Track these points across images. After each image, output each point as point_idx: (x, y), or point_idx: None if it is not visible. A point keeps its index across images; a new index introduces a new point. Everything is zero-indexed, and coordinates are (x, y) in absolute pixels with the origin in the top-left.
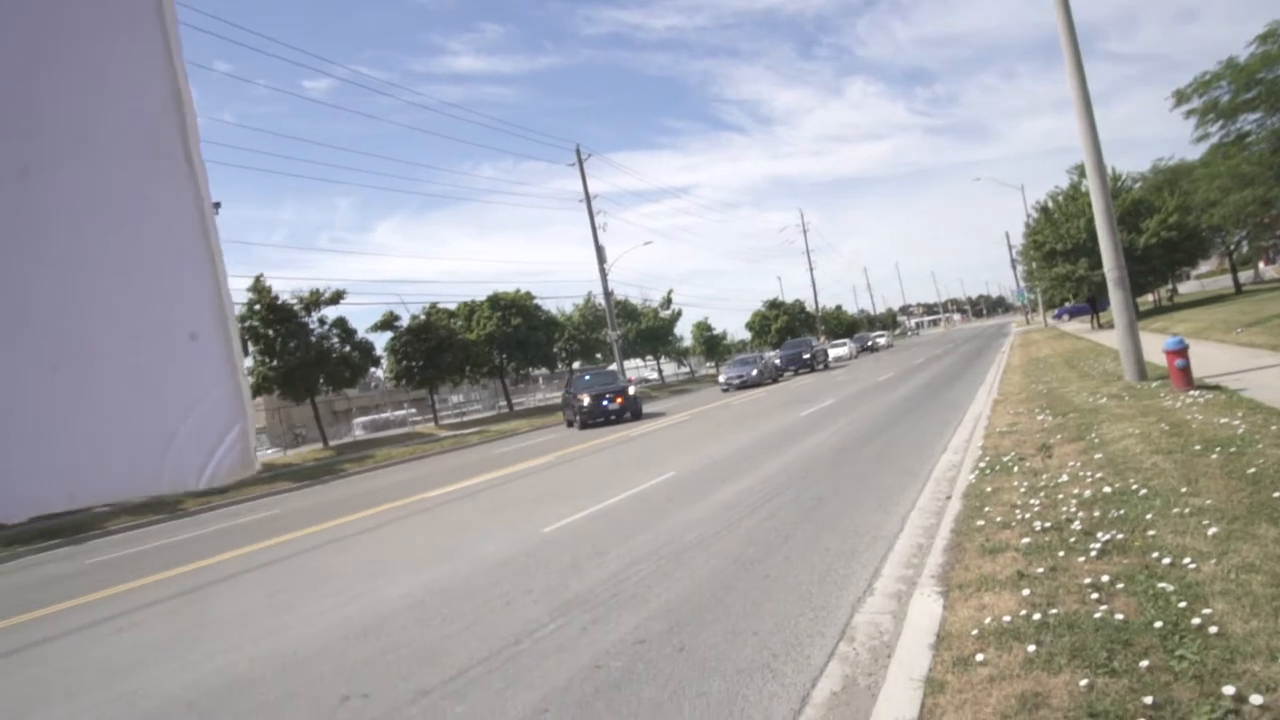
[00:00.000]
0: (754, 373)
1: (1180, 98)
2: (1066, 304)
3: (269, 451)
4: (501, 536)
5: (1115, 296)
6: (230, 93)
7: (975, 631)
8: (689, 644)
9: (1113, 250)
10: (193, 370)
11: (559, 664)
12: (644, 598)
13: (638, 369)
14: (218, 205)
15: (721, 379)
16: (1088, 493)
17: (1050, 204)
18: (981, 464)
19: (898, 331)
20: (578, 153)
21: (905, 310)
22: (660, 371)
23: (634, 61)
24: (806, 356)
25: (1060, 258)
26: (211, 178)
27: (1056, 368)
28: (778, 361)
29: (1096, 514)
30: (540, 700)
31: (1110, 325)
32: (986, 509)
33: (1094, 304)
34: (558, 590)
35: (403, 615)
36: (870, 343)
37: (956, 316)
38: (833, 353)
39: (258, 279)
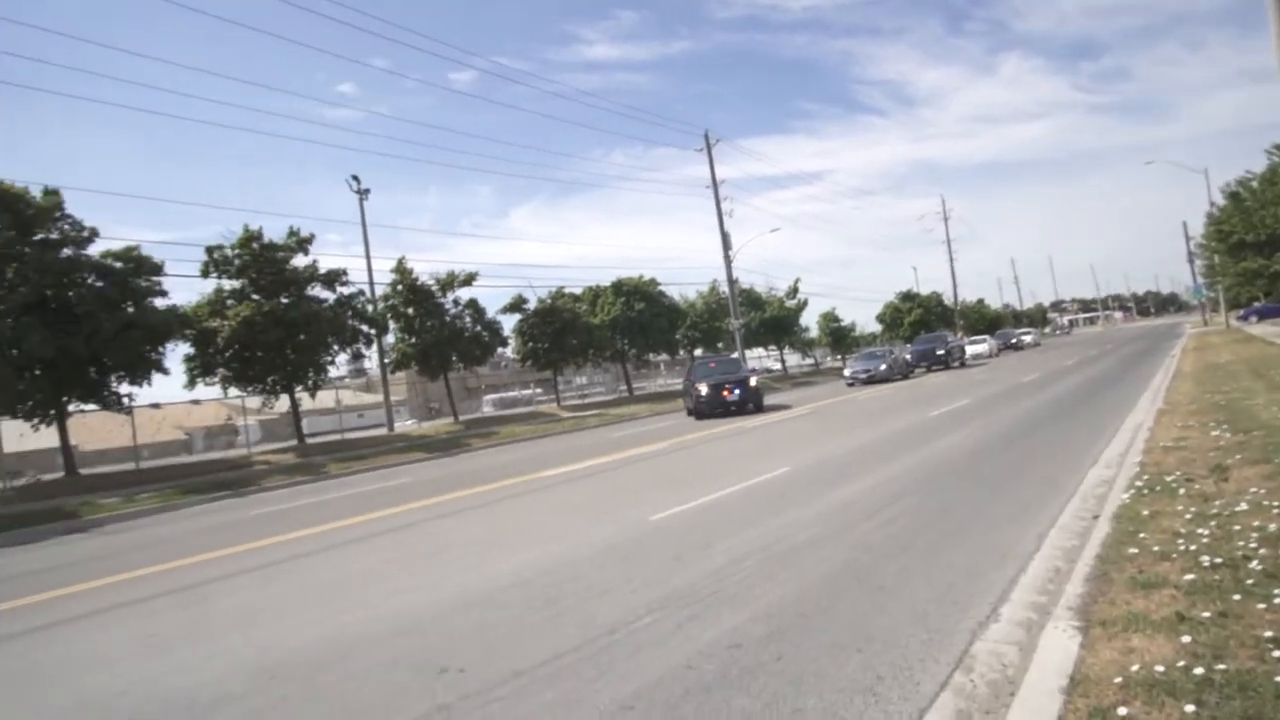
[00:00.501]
0: (882, 367)
1: None
2: (1255, 303)
3: (407, 423)
4: (611, 521)
5: None
6: (386, 87)
7: (1119, 679)
8: (788, 654)
9: None
10: None
11: (651, 659)
12: (745, 599)
13: (760, 359)
14: (366, 191)
15: (847, 373)
16: (1272, 526)
17: (1241, 190)
18: (1139, 482)
19: (1047, 329)
20: (706, 139)
21: (1057, 306)
22: (783, 362)
23: (768, 44)
24: (941, 353)
25: (1250, 250)
26: (365, 167)
27: (1239, 376)
28: (908, 357)
29: None
30: (629, 695)
31: None
32: (1142, 535)
33: None
34: (659, 582)
35: (509, 592)
36: (1014, 340)
37: (1118, 314)
38: (970, 350)
39: (400, 261)
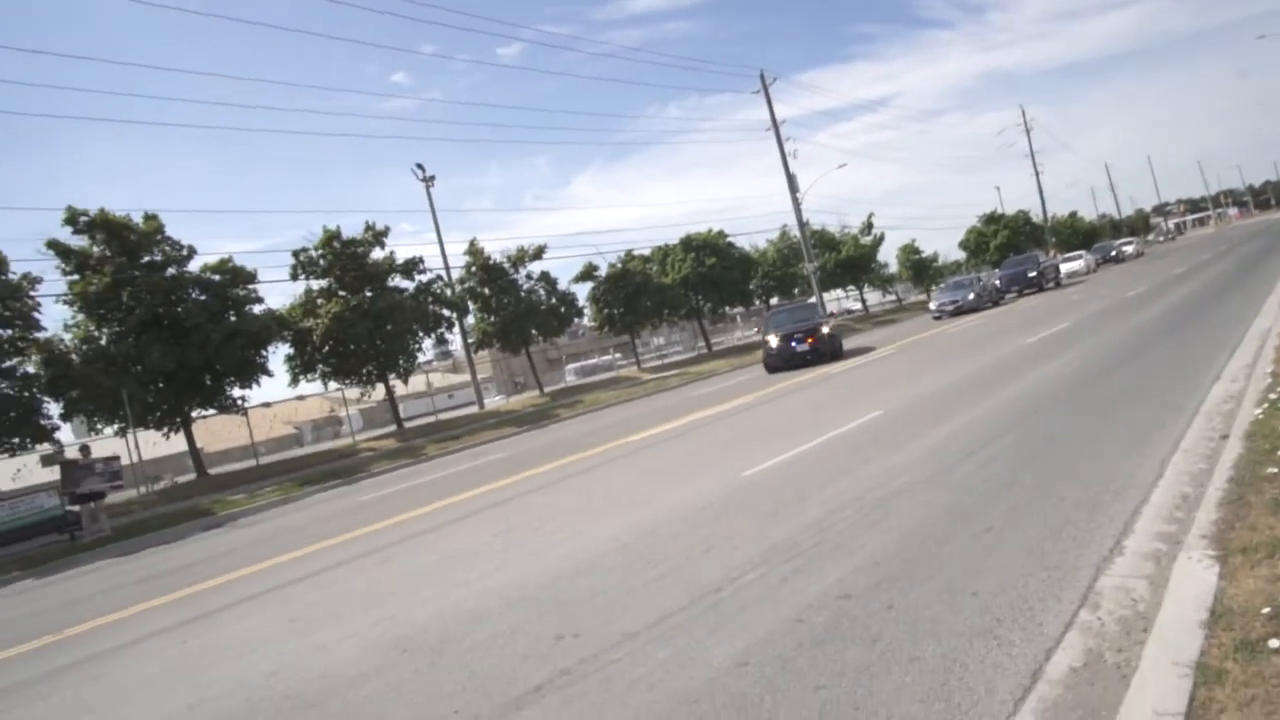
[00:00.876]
0: (970, 296)
1: None
2: None
3: (495, 399)
4: (702, 480)
5: None
6: (437, 70)
7: (1267, 610)
8: (898, 602)
9: None
10: None
11: (759, 615)
12: (848, 548)
13: (839, 300)
14: (432, 178)
15: (933, 305)
16: None
17: None
18: (1273, 395)
19: (1150, 236)
20: (762, 79)
21: (1161, 210)
22: (864, 302)
23: None
24: (1033, 274)
25: None
26: (426, 153)
27: None
28: (998, 282)
29: None
30: (741, 651)
31: None
32: (1279, 453)
33: None
34: (758, 537)
35: (611, 557)
36: (1113, 253)
37: (1233, 211)
38: (1065, 267)
39: (472, 243)
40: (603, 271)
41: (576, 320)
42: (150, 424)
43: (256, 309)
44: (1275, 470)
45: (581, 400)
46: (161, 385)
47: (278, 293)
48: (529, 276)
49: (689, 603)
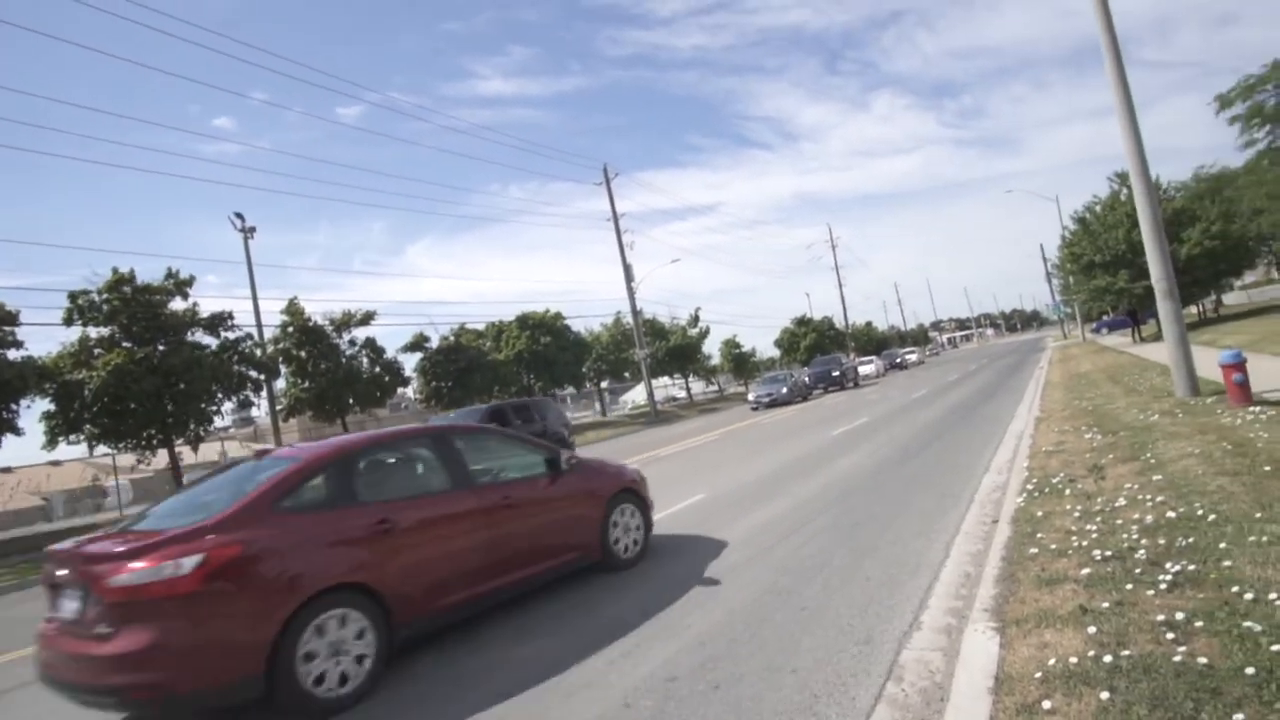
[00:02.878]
0: (784, 390)
1: (1223, 103)
2: (1105, 317)
3: None
4: None
5: (1164, 308)
6: (268, 120)
7: (1039, 674)
8: (723, 681)
9: (1161, 261)
10: None
11: (588, 701)
12: (677, 628)
13: (666, 387)
14: (252, 229)
15: (751, 396)
16: (1149, 518)
17: (1088, 215)
18: (1029, 486)
19: (929, 348)
20: (605, 172)
21: (937, 326)
22: (689, 389)
23: (659, 80)
24: (836, 374)
25: (1099, 269)
26: (248, 203)
27: (1100, 383)
28: (807, 379)
29: (1162, 542)
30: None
31: (1153, 338)
32: (1039, 535)
33: (1135, 316)
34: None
35: None
36: (899, 360)
37: (990, 331)
38: (861, 370)
39: (291, 301)
40: (434, 343)
41: (401, 391)
42: None
43: (11, 355)
44: (1036, 550)
45: None
46: None
47: (44, 338)
48: (353, 342)
49: None
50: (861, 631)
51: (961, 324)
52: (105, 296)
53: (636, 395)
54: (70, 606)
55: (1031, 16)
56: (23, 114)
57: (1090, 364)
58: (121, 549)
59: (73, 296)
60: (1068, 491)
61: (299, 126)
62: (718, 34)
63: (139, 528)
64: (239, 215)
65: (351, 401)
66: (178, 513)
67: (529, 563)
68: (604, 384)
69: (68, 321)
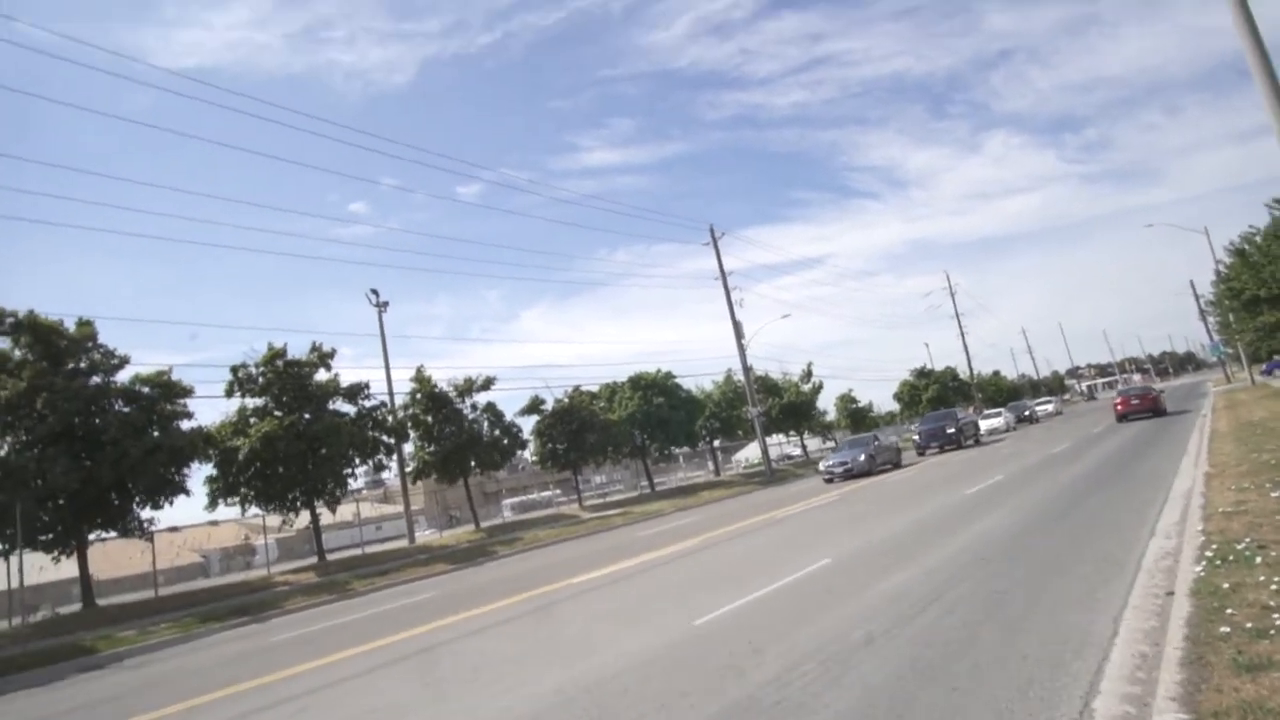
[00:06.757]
0: (861, 458)
1: None
2: (1277, 357)
3: (427, 532)
4: (651, 628)
5: None
6: (396, 203)
7: None
8: None
9: None
10: None
11: None
12: (811, 708)
13: (780, 445)
14: (386, 304)
15: (822, 466)
16: None
17: (1246, 246)
18: (1208, 553)
19: (1068, 396)
20: (711, 232)
21: (1074, 373)
22: (804, 447)
23: (759, 139)
24: (952, 431)
25: (1266, 305)
26: (380, 280)
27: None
28: (916, 438)
29: None
30: None
31: None
32: (1229, 611)
33: None
34: (716, 693)
35: (555, 713)
36: (1028, 412)
37: (1136, 377)
38: (985, 424)
39: (419, 370)
40: (549, 405)
41: (518, 453)
42: (40, 546)
43: (185, 424)
44: (1228, 630)
45: (520, 537)
46: (60, 503)
47: (210, 409)
48: (475, 407)
49: None
50: (1023, 718)
51: (1102, 370)
52: (261, 369)
53: (750, 453)
54: None
55: (1155, 41)
56: (185, 210)
57: (1265, 410)
58: None
59: (234, 370)
60: (1259, 560)
61: (423, 206)
62: (817, 89)
63: None
64: (374, 291)
65: (473, 463)
66: None
67: None
68: (717, 442)
69: (229, 393)
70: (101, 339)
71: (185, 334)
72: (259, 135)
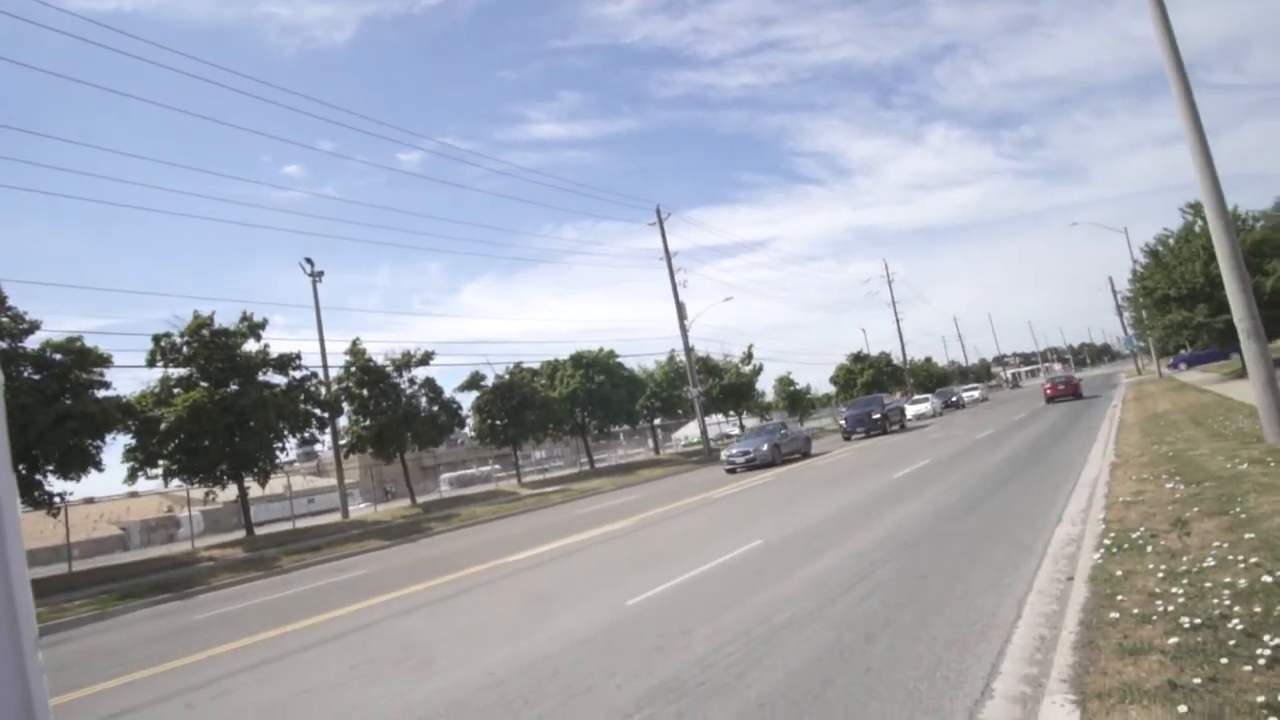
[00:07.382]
0: (765, 448)
1: None
2: (1183, 351)
3: (361, 506)
4: (584, 608)
5: (1249, 349)
6: (332, 168)
7: None
8: None
9: (1243, 298)
10: None
11: None
12: (734, 688)
13: (719, 425)
14: (320, 274)
15: (724, 455)
16: (1243, 582)
17: (1160, 247)
18: (1106, 541)
19: (992, 383)
20: (658, 212)
21: (1000, 361)
22: (742, 427)
23: (708, 120)
24: (877, 416)
25: (1174, 304)
26: (315, 248)
27: (1181, 425)
28: (842, 422)
29: (1258, 609)
30: None
31: (1235, 375)
32: (1119, 597)
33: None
34: (643, 674)
35: (484, 695)
36: (955, 398)
37: (1057, 366)
38: (911, 410)
39: (354, 343)
40: (489, 381)
41: (457, 429)
42: None
43: (101, 394)
44: (1117, 615)
45: (457, 514)
46: None
47: (130, 379)
48: (412, 381)
49: None
50: (930, 699)
51: (1026, 359)
52: (186, 339)
53: (689, 432)
54: None
55: (1090, 44)
56: (110, 169)
57: (1169, 403)
58: None
59: (156, 339)
60: (1149, 549)
61: (362, 173)
62: (767, 73)
63: None
64: (309, 260)
65: (410, 439)
66: None
67: None
68: (657, 421)
69: (151, 363)
70: (10, 302)
71: (102, 301)
72: (185, 91)
